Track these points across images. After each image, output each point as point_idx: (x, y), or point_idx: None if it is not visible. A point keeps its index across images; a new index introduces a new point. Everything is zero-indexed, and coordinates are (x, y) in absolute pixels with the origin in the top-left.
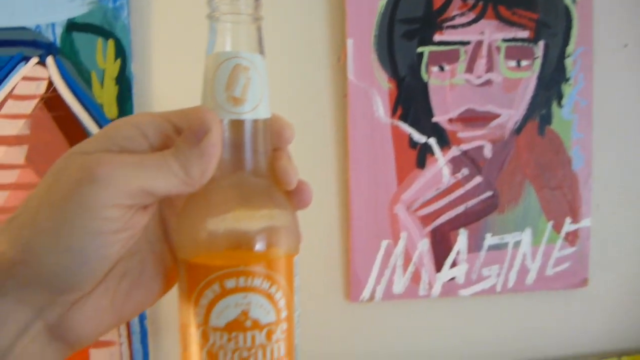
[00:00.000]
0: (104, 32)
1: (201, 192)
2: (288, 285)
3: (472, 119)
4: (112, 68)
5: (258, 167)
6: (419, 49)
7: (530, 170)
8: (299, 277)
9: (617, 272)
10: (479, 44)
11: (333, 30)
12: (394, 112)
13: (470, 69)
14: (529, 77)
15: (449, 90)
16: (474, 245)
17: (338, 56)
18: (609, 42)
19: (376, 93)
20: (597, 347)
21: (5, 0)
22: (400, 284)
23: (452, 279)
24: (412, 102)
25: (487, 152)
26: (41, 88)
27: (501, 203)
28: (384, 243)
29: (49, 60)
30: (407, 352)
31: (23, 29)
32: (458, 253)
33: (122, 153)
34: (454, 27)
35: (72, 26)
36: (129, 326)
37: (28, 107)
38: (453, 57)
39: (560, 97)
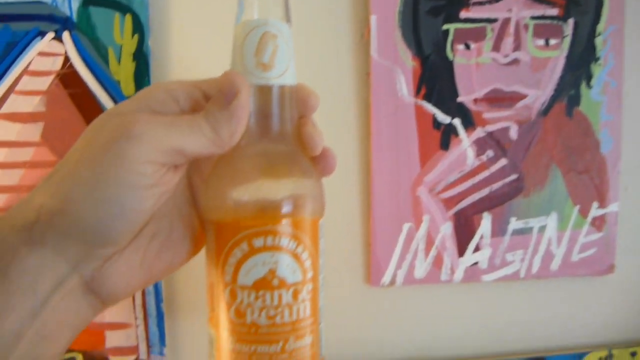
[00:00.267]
0: (122, 7)
1: (229, 156)
2: (314, 247)
3: (498, 99)
4: (129, 44)
5: (284, 133)
6: (445, 26)
7: (557, 153)
8: (324, 240)
9: None
10: (507, 21)
11: (356, 6)
12: (417, 92)
13: (497, 47)
14: (557, 56)
15: (474, 69)
16: (498, 230)
17: (361, 33)
18: None
19: (400, 72)
20: (623, 335)
21: None
22: (421, 268)
23: (475, 263)
24: (436, 81)
25: (513, 133)
26: (57, 64)
27: (526, 186)
28: (406, 226)
29: (65, 35)
30: (428, 338)
31: (39, 2)
32: (481, 237)
33: (156, 114)
34: (480, 3)
35: (89, 0)
36: (145, 308)
37: (44, 83)
38: (479, 35)
39: (589, 77)
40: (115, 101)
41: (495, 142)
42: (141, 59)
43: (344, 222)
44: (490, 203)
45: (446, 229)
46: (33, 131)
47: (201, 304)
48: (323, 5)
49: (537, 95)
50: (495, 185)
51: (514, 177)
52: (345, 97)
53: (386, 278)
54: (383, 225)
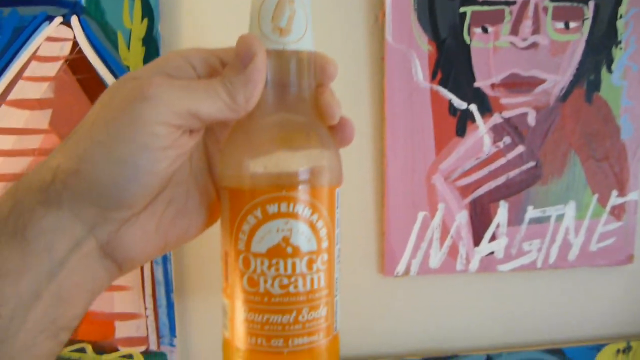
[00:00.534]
0: None
1: (245, 123)
2: (330, 216)
3: (516, 84)
4: (139, 28)
5: (302, 101)
6: (462, 9)
7: (575, 140)
8: (341, 210)
9: None
10: (525, 3)
11: None
12: (433, 77)
13: (515, 30)
14: (577, 39)
15: (492, 53)
16: (515, 219)
17: (375, 16)
18: None
19: (415, 56)
20: None
21: None
22: (436, 258)
23: (491, 253)
24: (453, 65)
25: (531, 119)
26: (65, 49)
27: (544, 174)
28: (421, 215)
29: (74, 20)
30: (442, 329)
31: None
32: (498, 226)
33: (172, 78)
34: None
35: None
36: (155, 298)
37: (52, 69)
38: (497, 18)
39: (609, 61)
40: None
41: (512, 128)
42: (151, 43)
43: (358, 210)
44: (506, 191)
45: (462, 218)
46: (41, 118)
47: (212, 294)
48: None
49: (556, 80)
50: (512, 173)
51: (531, 164)
52: (358, 82)
53: (400, 268)
54: (397, 213)
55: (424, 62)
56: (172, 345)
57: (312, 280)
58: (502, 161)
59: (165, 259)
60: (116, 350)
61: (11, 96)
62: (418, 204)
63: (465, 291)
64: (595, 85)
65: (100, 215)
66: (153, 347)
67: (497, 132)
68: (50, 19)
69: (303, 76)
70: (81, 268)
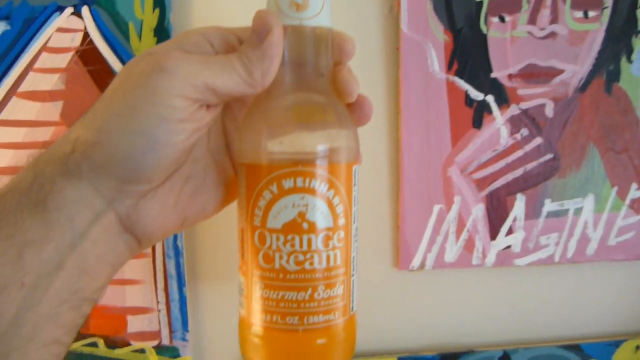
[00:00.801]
0: None
1: (263, 100)
2: (346, 193)
3: (533, 74)
4: (150, 19)
5: (319, 78)
6: None
7: (594, 132)
8: (358, 188)
9: None
10: None
11: None
12: (449, 67)
13: (532, 19)
14: (596, 29)
15: (509, 43)
16: (532, 212)
17: (390, 5)
18: None
19: (431, 46)
20: None
21: None
22: (452, 252)
23: (508, 247)
24: (469, 56)
25: (549, 111)
26: (76, 40)
27: (562, 167)
28: (436, 208)
29: (85, 10)
30: (457, 324)
31: None
32: (515, 220)
33: (190, 53)
34: None
35: None
36: (167, 293)
37: (63, 60)
38: (515, 7)
39: (630, 51)
40: None
41: (530, 120)
42: (163, 34)
43: (372, 203)
44: (524, 184)
45: (478, 211)
46: (52, 110)
47: (225, 288)
48: None
49: (575, 70)
50: (530, 166)
51: (549, 156)
52: (373, 72)
53: (415, 262)
54: (412, 206)
55: (439, 52)
56: (184, 339)
57: (328, 257)
58: (519, 153)
59: (177, 253)
60: (128, 344)
61: (22, 88)
62: (434, 196)
63: (482, 286)
64: (614, 76)
65: (119, 188)
66: (165, 341)
67: (515, 123)
68: (60, 9)
69: (320, 53)
70: (102, 241)
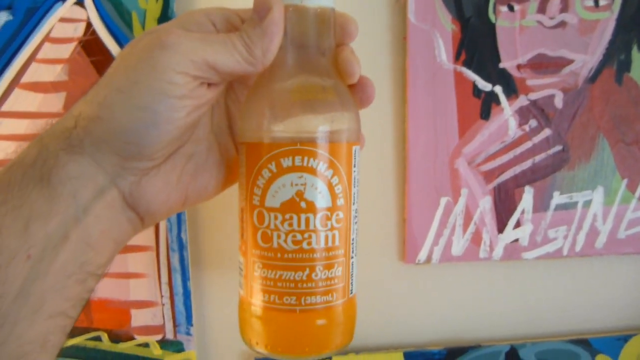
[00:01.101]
0: None
1: (264, 80)
2: (346, 174)
3: (543, 65)
4: (154, 8)
5: (321, 58)
6: None
7: (604, 123)
8: (358, 169)
9: None
10: None
11: None
12: (457, 57)
13: (542, 8)
14: (607, 18)
15: (518, 32)
16: (540, 205)
17: None
18: None
19: (438, 36)
20: None
21: None
22: (459, 245)
23: (516, 240)
24: (477, 45)
25: (558, 102)
26: (79, 30)
27: (571, 158)
28: (443, 200)
29: (87, 0)
30: (464, 318)
31: None
32: (523, 212)
33: (191, 31)
34: None
35: None
36: (171, 286)
37: (66, 51)
38: None
39: None
40: None
41: (539, 111)
42: None
43: (378, 195)
44: (532, 176)
45: (485, 204)
46: (55, 101)
47: (229, 282)
48: None
49: (585, 60)
50: (538, 157)
51: (558, 148)
52: (380, 62)
53: (422, 255)
54: (419, 199)
55: (447, 42)
56: (188, 333)
57: (326, 237)
58: (527, 145)
59: (181, 246)
60: (132, 338)
61: (24, 79)
62: (440, 189)
63: (489, 279)
64: (625, 66)
65: (121, 165)
66: (169, 335)
67: (523, 114)
68: None
69: (322, 33)
70: (105, 217)
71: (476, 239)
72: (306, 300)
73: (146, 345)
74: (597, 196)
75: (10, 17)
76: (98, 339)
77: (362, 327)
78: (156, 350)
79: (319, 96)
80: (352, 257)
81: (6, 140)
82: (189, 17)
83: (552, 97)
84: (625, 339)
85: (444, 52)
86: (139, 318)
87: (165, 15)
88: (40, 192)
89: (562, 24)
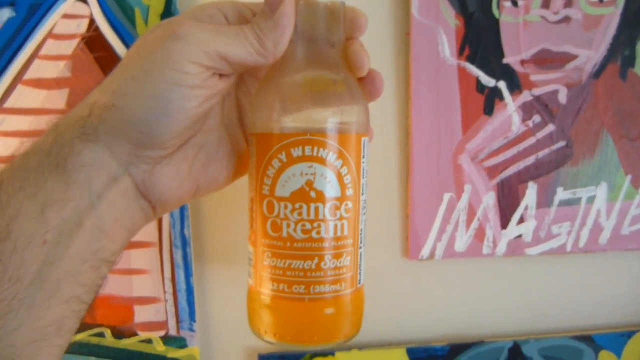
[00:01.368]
0: None
1: (274, 71)
2: (355, 164)
3: (546, 60)
4: (156, 4)
5: (331, 51)
6: None
7: (608, 119)
8: (367, 161)
9: None
10: None
11: None
12: (460, 52)
13: (546, 3)
14: (611, 13)
15: (522, 27)
16: (544, 200)
17: None
18: None
19: (442, 31)
20: None
21: None
22: (462, 241)
23: (519, 236)
24: (481, 41)
25: (562, 97)
26: (82, 27)
27: (575, 154)
28: (446, 196)
29: None
30: (468, 314)
31: None
32: (526, 208)
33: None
34: None
35: None
36: (174, 283)
37: (69, 47)
38: None
39: None
40: None
41: (542, 106)
42: None
43: (381, 191)
44: (536, 172)
45: (489, 200)
46: (58, 98)
47: (232, 278)
48: None
49: (589, 55)
50: (542, 153)
51: (561, 144)
52: (383, 58)
53: (425, 251)
54: (422, 195)
55: (451, 37)
56: (191, 329)
57: (335, 226)
58: (531, 141)
59: (184, 243)
60: (135, 334)
61: (27, 76)
62: (444, 185)
63: (492, 275)
64: (629, 61)
65: (134, 153)
66: (172, 331)
67: (527, 110)
68: None
69: (332, 26)
70: (119, 204)
71: (479, 234)
72: (315, 289)
73: (149, 341)
74: (601, 192)
75: (13, 14)
76: (101, 335)
77: (365, 323)
78: (159, 346)
79: (329, 88)
80: (361, 247)
81: (10, 137)
82: (201, 9)
83: (555, 92)
84: (629, 335)
85: (447, 47)
86: (142, 314)
87: (168, 11)
88: (56, 179)
89: (566, 19)
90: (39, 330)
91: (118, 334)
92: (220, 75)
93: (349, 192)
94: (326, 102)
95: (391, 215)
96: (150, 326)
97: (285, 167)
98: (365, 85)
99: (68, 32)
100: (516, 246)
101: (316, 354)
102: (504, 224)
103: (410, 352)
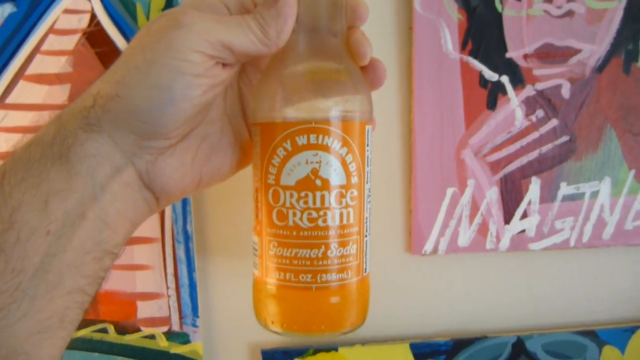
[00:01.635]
0: None
1: (277, 61)
2: (360, 152)
3: (549, 54)
4: None
5: (333, 40)
6: None
7: (612, 113)
8: (371, 149)
9: None
10: None
11: None
12: (463, 47)
13: None
14: (615, 7)
15: (525, 22)
16: (547, 195)
17: None
18: None
19: (444, 25)
20: None
21: None
22: (465, 236)
23: (522, 231)
24: (484, 35)
25: (565, 92)
26: (83, 22)
27: (578, 149)
28: (449, 191)
29: None
30: (471, 309)
31: None
32: (529, 203)
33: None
34: None
35: None
36: (177, 278)
37: (70, 42)
38: None
39: None
40: None
41: (545, 101)
42: None
43: (384, 186)
44: (539, 167)
45: (492, 195)
46: (60, 93)
47: (235, 273)
48: None
49: (592, 50)
50: (545, 148)
51: (565, 139)
52: (385, 53)
53: (428, 246)
54: (425, 190)
55: (453, 31)
56: (194, 325)
57: (341, 215)
58: (534, 135)
59: (187, 238)
60: (138, 330)
61: (29, 71)
62: (447, 180)
63: (495, 271)
64: (633, 56)
65: (137, 143)
66: (175, 327)
67: (530, 105)
68: None
69: (334, 16)
70: (122, 195)
71: (483, 230)
72: (322, 277)
73: (152, 337)
74: (605, 187)
75: (15, 9)
76: (104, 330)
77: (368, 318)
78: (162, 342)
79: (332, 76)
80: (366, 236)
81: (11, 133)
82: (203, 0)
83: (559, 87)
84: (633, 330)
85: (450, 41)
86: (145, 310)
87: (169, 6)
88: (59, 170)
89: (570, 13)
90: (42, 322)
91: (121, 330)
92: (224, 65)
93: (354, 180)
94: (331, 91)
95: (394, 211)
96: (153, 322)
97: (290, 155)
98: (368, 74)
99: (69, 27)
100: (519, 241)
101: (319, 350)
102: (507, 219)
103: (414, 347)
